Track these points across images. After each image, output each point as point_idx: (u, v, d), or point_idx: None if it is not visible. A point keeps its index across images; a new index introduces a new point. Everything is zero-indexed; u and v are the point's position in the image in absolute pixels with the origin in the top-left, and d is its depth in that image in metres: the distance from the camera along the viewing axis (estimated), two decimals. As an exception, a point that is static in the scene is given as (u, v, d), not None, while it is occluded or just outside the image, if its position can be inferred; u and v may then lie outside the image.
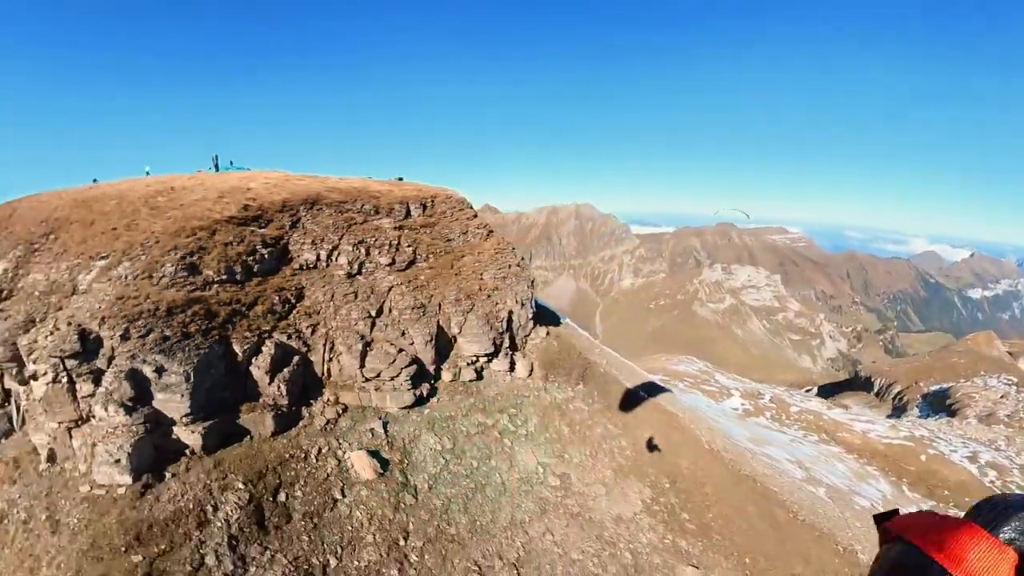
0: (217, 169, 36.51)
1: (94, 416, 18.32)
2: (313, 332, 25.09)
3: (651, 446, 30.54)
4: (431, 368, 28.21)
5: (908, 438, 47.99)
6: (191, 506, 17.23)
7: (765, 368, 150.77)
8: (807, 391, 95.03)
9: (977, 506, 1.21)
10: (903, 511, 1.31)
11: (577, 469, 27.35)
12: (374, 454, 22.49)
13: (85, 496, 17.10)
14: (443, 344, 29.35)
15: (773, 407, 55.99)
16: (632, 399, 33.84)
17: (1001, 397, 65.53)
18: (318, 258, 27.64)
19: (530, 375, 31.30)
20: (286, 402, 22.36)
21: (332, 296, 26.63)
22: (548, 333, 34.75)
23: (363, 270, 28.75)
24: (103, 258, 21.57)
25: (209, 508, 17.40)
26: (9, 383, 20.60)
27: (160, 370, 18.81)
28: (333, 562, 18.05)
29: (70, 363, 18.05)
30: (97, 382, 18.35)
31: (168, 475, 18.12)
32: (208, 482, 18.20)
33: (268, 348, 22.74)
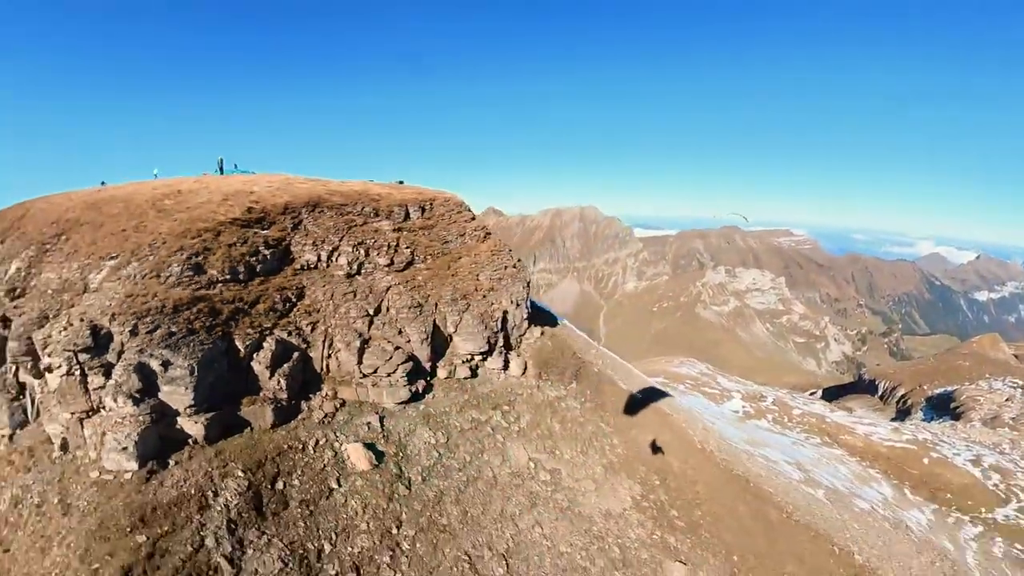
0: (222, 172, 37.55)
1: (104, 407, 19.37)
2: (313, 329, 26.03)
3: (655, 448, 30.93)
4: (427, 365, 29.05)
5: (911, 441, 47.76)
6: (193, 491, 18.18)
7: (769, 371, 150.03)
8: (811, 394, 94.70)
9: None
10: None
11: (568, 465, 27.98)
12: (370, 447, 23.32)
13: (94, 481, 18.12)
14: (439, 342, 30.19)
15: (775, 409, 56.05)
16: (626, 399, 34.39)
17: (1006, 400, 65.00)
18: (319, 259, 28.62)
19: (524, 373, 32.03)
20: (285, 396, 23.29)
21: (332, 295, 27.58)
22: (543, 333, 35.47)
23: (362, 270, 29.70)
24: (113, 258, 22.70)
25: (210, 494, 18.33)
26: (24, 376, 21.75)
27: (166, 364, 19.83)
28: (327, 547, 18.88)
29: (82, 357, 19.14)
30: (107, 375, 19.41)
31: (172, 462, 19.12)
32: (209, 469, 19.16)
33: (269, 344, 23.71)
